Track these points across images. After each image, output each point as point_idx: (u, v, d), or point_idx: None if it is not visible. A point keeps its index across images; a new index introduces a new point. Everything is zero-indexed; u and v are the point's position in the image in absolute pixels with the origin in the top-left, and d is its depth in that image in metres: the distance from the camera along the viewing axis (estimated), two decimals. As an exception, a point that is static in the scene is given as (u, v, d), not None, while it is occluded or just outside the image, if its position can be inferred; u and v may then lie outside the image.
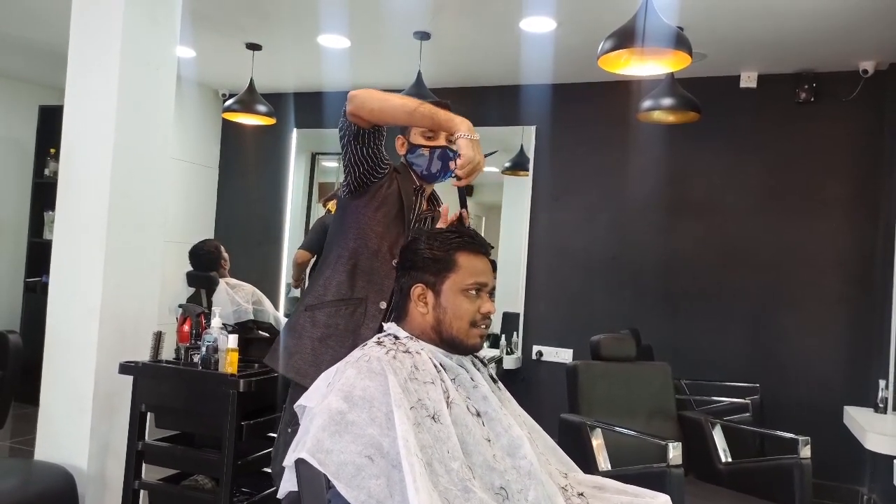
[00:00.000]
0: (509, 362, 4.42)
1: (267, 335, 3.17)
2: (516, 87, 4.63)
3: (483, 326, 1.47)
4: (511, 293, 4.61)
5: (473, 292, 1.45)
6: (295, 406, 1.47)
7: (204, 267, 3.97)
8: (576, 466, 1.57)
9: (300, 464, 1.24)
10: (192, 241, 4.08)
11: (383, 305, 1.82)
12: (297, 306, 1.92)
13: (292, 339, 1.84)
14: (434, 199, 2.03)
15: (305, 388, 1.68)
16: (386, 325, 1.53)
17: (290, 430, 1.75)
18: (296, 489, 1.30)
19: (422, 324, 1.46)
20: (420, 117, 1.70)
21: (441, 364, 1.42)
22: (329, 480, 1.21)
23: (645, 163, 4.34)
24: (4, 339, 2.87)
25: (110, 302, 2.62)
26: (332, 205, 4.15)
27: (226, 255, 4.04)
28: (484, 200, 5.20)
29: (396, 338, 1.46)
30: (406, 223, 1.86)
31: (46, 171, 5.00)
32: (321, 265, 1.92)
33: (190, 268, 4.04)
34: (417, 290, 1.46)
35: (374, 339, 1.48)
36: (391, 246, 1.83)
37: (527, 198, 4.62)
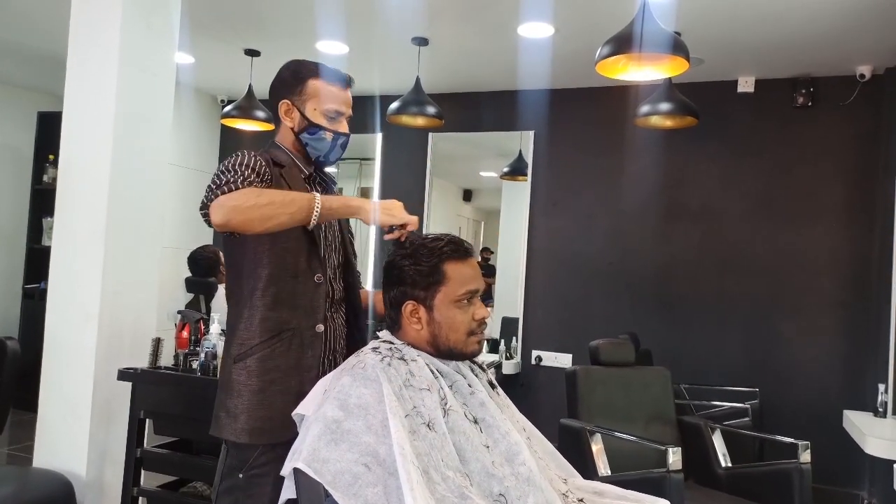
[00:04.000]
0: (508, 367, 4.41)
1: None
2: (514, 93, 4.64)
3: (479, 332, 1.46)
4: (510, 298, 4.61)
5: (466, 301, 1.43)
6: (293, 413, 1.46)
7: (203, 272, 3.97)
8: (575, 472, 1.57)
9: (297, 473, 1.24)
10: (190, 247, 4.09)
11: (320, 329, 1.62)
12: (223, 360, 1.66)
13: (231, 398, 1.58)
14: (325, 179, 1.77)
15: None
16: (381, 334, 1.52)
17: (240, 475, 1.58)
18: (295, 497, 1.30)
19: (417, 338, 1.45)
20: (304, 215, 1.46)
21: (438, 370, 1.42)
22: (327, 489, 1.20)
23: (643, 168, 4.35)
24: (2, 345, 2.86)
25: (109, 308, 2.62)
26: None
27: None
28: (482, 205, 5.20)
29: (392, 344, 1.45)
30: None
31: (45, 178, 5.00)
32: (235, 306, 1.64)
33: (189, 273, 4.04)
34: (409, 307, 1.44)
35: (370, 346, 1.48)
36: (308, 259, 1.62)
37: (525, 203, 4.62)
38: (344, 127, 1.71)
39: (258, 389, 1.57)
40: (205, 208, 1.50)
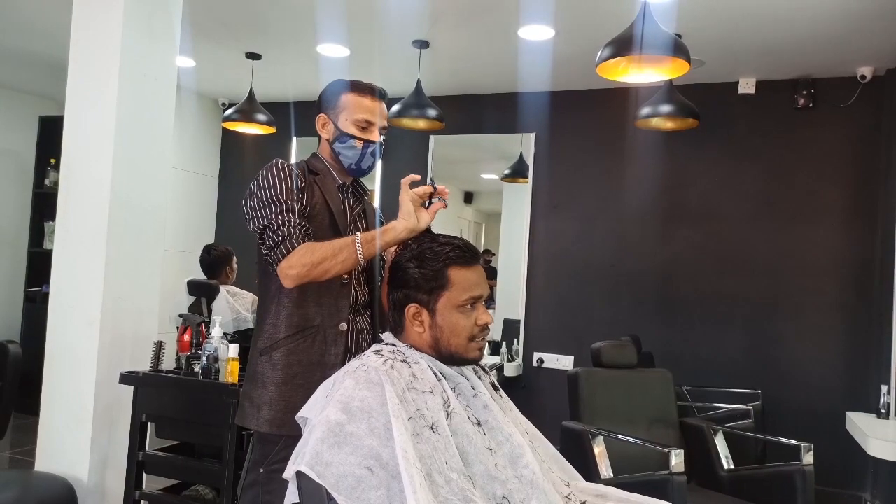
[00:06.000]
0: (510, 369, 4.41)
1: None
2: (515, 95, 4.64)
3: (481, 338, 1.46)
4: (511, 300, 4.60)
5: (469, 307, 1.43)
6: (297, 417, 1.46)
7: (208, 267, 4.01)
8: (578, 474, 1.57)
9: (300, 476, 1.24)
10: (192, 251, 4.12)
11: (344, 327, 1.71)
12: (251, 352, 1.76)
13: (256, 389, 1.70)
14: (358, 189, 1.88)
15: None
16: (384, 336, 1.52)
17: (261, 469, 1.67)
18: (298, 501, 1.30)
19: (419, 341, 1.45)
20: (354, 259, 1.60)
21: (441, 372, 1.41)
22: (329, 492, 1.20)
23: (644, 170, 4.35)
24: (4, 349, 2.87)
25: (110, 311, 2.62)
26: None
27: (235, 265, 4.07)
28: (483, 208, 5.20)
29: (395, 347, 1.45)
30: (341, 229, 1.74)
31: (47, 182, 5.01)
32: (263, 301, 1.77)
33: (191, 276, 4.06)
34: (412, 309, 1.44)
35: (372, 349, 1.48)
36: None
37: (526, 205, 4.62)
38: (374, 135, 1.78)
39: (281, 382, 1.67)
40: (271, 262, 1.63)
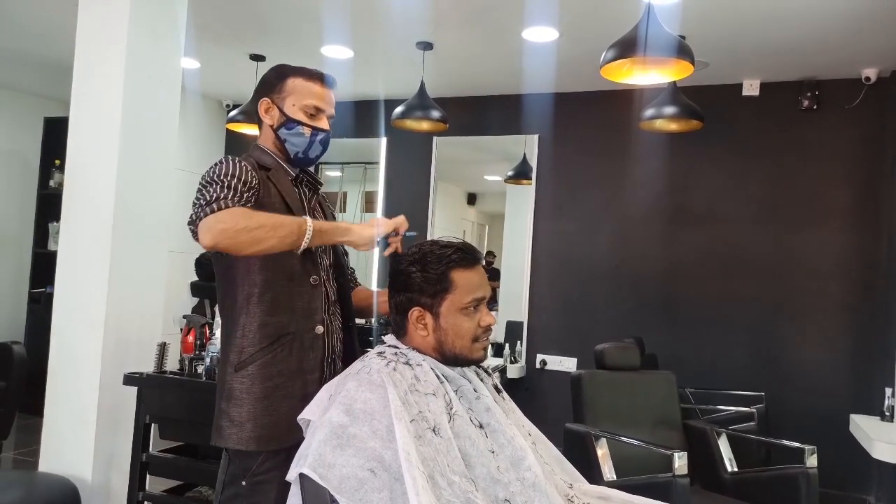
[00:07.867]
0: (513, 371, 4.40)
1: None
2: (518, 97, 4.65)
3: (485, 339, 1.46)
4: (514, 302, 4.60)
5: (472, 308, 1.44)
6: (298, 419, 1.46)
7: (208, 276, 3.99)
8: (581, 477, 1.57)
9: (303, 478, 1.24)
10: (195, 252, 4.10)
11: (319, 330, 1.61)
12: (220, 368, 1.63)
13: (234, 407, 1.56)
14: (311, 180, 1.75)
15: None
16: (386, 338, 1.52)
17: (244, 482, 1.57)
18: (300, 503, 1.30)
19: (423, 344, 1.45)
20: (294, 239, 1.45)
21: (443, 375, 1.42)
22: (332, 495, 1.20)
23: (647, 171, 4.34)
24: (9, 350, 2.88)
25: (115, 312, 2.63)
26: None
27: None
28: (487, 209, 5.20)
29: (397, 349, 1.45)
30: None
31: (51, 183, 5.03)
32: (230, 313, 1.61)
33: (194, 278, 4.06)
34: (415, 313, 1.44)
35: (376, 350, 1.48)
36: (301, 261, 1.59)
37: (530, 206, 4.62)
38: (323, 123, 1.68)
39: (262, 396, 1.55)
40: (193, 224, 1.48)
